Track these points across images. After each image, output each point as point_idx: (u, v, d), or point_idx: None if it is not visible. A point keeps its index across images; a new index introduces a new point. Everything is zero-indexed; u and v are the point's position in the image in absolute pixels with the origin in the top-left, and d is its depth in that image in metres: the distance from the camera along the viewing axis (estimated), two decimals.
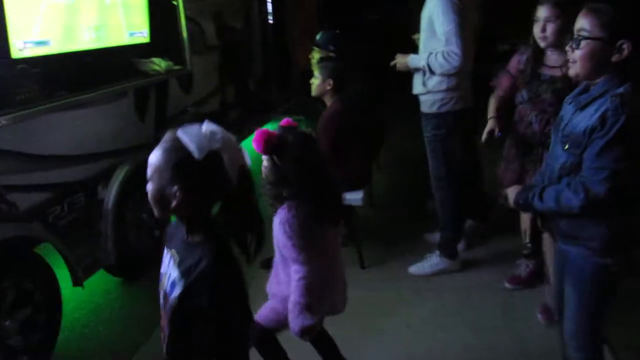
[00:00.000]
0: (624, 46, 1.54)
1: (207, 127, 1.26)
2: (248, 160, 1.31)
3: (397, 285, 3.09)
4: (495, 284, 3.02)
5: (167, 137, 1.27)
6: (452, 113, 2.96)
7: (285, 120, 1.89)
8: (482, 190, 3.68)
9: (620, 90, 1.55)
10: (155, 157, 1.26)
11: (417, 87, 3.03)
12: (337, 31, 4.41)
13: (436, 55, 2.81)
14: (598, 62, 1.58)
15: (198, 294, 1.21)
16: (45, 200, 2.65)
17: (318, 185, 1.81)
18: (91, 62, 3.19)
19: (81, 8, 3.10)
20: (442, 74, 2.86)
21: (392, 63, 3.11)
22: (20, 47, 2.68)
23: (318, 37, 4.15)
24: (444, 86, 2.90)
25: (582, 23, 1.59)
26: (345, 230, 3.61)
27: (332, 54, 3.82)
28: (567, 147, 1.62)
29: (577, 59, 1.60)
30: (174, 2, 3.96)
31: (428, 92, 2.96)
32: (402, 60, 3.04)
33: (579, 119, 1.61)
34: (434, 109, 2.98)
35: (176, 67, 3.98)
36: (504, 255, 3.26)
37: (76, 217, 2.86)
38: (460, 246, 3.30)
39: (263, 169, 1.83)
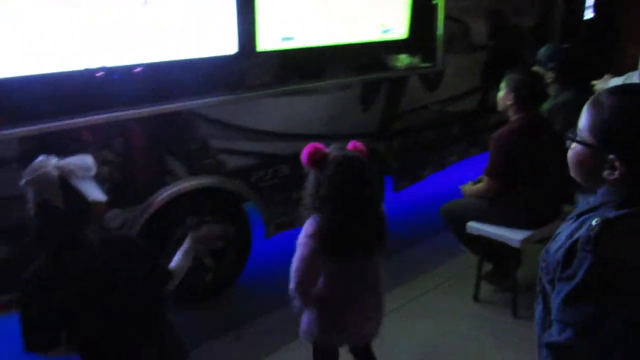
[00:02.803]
0: (616, 164, 1.12)
1: None
2: None
3: None
4: None
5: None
6: None
7: (351, 143, 1.95)
8: None
9: (612, 214, 1.11)
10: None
11: None
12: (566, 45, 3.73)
13: None
14: (588, 173, 1.20)
15: None
16: (252, 165, 3.35)
17: (347, 208, 1.84)
18: (328, 55, 3.67)
19: (329, 8, 3.57)
20: None
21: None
22: (266, 42, 3.34)
23: (542, 50, 3.62)
24: None
25: (582, 117, 1.20)
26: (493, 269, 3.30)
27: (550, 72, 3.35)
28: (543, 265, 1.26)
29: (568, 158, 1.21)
30: (434, 2, 4.05)
31: None
32: None
33: (564, 233, 1.20)
34: None
35: (422, 65, 4.13)
36: None
37: (277, 183, 3.50)
38: None
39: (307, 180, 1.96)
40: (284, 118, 3.43)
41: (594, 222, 1.10)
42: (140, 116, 2.84)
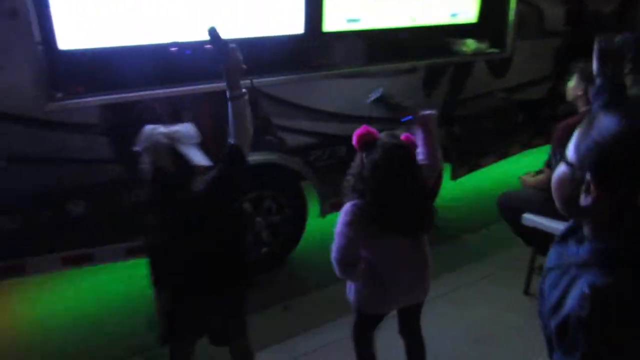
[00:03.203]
0: (591, 187, 1.00)
1: None
2: None
3: None
4: None
5: None
6: None
7: (404, 135, 1.98)
8: None
9: (600, 281, 1.00)
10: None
11: None
12: None
13: None
14: (567, 198, 1.07)
15: None
16: (310, 144, 3.43)
17: (386, 194, 1.88)
18: (393, 38, 3.66)
19: None
20: None
21: None
22: (332, 23, 3.38)
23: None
24: None
25: (573, 134, 1.09)
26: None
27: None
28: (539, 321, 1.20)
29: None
30: None
31: None
32: None
33: (555, 289, 1.11)
34: None
35: (489, 50, 4.04)
36: None
37: (334, 163, 3.57)
38: None
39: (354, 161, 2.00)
40: (346, 99, 3.47)
41: (585, 290, 1.00)
42: (209, 90, 2.98)
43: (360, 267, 2.03)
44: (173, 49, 2.94)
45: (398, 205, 1.91)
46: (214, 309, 2.11)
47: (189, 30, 2.92)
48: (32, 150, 2.67)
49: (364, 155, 1.95)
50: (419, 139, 2.12)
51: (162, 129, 1.90)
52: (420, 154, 2.11)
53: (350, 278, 2.09)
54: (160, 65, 2.92)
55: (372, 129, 1.96)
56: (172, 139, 1.87)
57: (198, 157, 1.90)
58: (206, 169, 1.94)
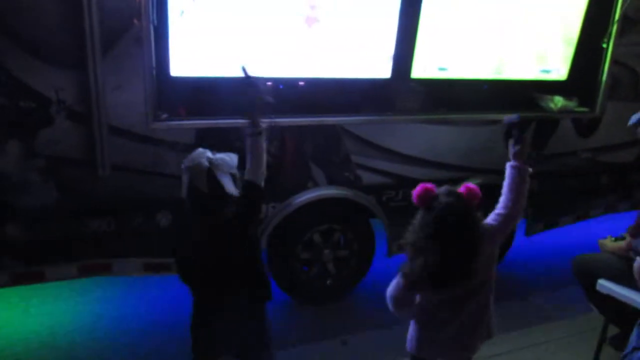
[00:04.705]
0: None
1: None
2: None
3: None
4: None
5: None
6: None
7: (464, 186, 1.99)
8: None
9: None
10: None
11: None
12: None
13: None
14: None
15: None
16: (384, 184, 3.52)
17: (445, 250, 1.89)
18: (480, 89, 3.70)
19: (488, 43, 3.61)
20: None
21: None
22: (421, 70, 3.49)
23: None
24: None
25: None
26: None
27: None
28: None
29: None
30: (604, 45, 3.87)
31: None
32: None
33: None
34: None
35: (577, 109, 3.97)
36: None
37: (406, 205, 3.62)
38: None
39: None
40: (425, 145, 3.55)
41: None
42: (297, 124, 3.16)
43: (412, 309, 2.10)
44: (268, 83, 3.15)
45: (457, 257, 1.93)
46: (235, 324, 2.22)
47: (285, 67, 3.14)
48: (133, 161, 2.95)
49: (424, 212, 1.99)
50: (506, 183, 2.14)
51: (209, 153, 2.07)
52: (502, 201, 2.13)
53: (402, 316, 2.16)
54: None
55: (431, 186, 1.99)
56: (213, 164, 2.03)
57: (230, 187, 2.05)
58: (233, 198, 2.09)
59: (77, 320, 3.42)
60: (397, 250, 3.67)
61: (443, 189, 2.00)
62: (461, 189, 2.00)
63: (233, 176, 2.09)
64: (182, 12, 2.81)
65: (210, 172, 2.03)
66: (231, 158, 2.11)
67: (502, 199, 2.13)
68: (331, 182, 3.39)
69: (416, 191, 1.98)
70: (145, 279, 3.52)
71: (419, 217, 2.01)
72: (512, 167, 2.15)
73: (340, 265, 3.61)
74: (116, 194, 2.96)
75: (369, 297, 3.70)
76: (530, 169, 2.17)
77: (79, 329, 3.33)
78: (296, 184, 3.31)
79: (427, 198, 1.96)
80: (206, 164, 2.03)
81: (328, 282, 3.60)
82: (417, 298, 2.13)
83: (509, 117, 2.25)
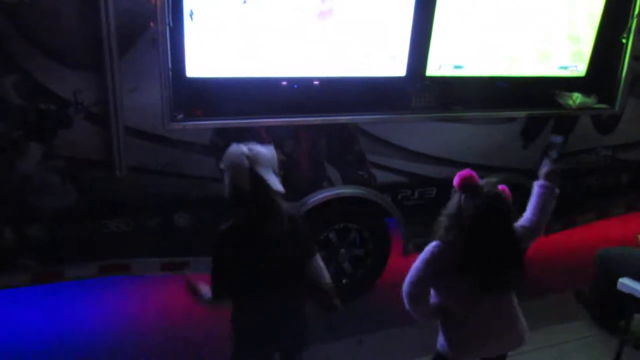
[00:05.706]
0: None
1: None
2: None
3: None
4: None
5: None
6: None
7: (501, 186, 2.02)
8: None
9: None
10: None
11: None
12: None
13: None
14: None
15: None
16: (400, 183, 3.50)
17: (478, 244, 1.92)
18: (497, 86, 3.67)
19: (504, 41, 3.57)
20: None
21: None
22: (436, 67, 3.47)
23: None
24: None
25: None
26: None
27: None
28: None
29: None
30: (623, 41, 3.81)
31: None
32: None
33: None
34: None
35: (597, 106, 3.91)
36: None
37: (422, 203, 3.60)
38: None
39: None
40: (441, 143, 3.53)
41: None
42: (312, 124, 3.16)
43: (428, 307, 2.11)
44: (283, 82, 3.17)
45: (487, 249, 1.95)
46: (285, 320, 2.17)
47: (299, 66, 3.14)
48: (149, 162, 2.97)
49: (462, 197, 1.99)
50: (533, 200, 2.18)
51: (244, 148, 1.96)
52: (527, 216, 2.19)
53: (417, 314, 2.15)
54: (271, 97, 3.16)
55: (475, 174, 2.00)
56: (253, 161, 1.93)
57: (275, 183, 1.97)
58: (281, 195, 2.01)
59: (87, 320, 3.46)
60: (414, 250, 3.65)
61: (487, 180, 2.04)
62: (500, 187, 2.04)
63: (273, 171, 1.99)
64: (192, 13, 2.82)
65: (252, 169, 1.93)
66: (269, 150, 2.01)
67: (527, 214, 2.20)
68: (346, 181, 3.38)
69: (462, 174, 1.99)
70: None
71: (455, 201, 2.01)
72: (541, 186, 2.21)
73: (356, 264, 3.60)
74: (133, 195, 2.99)
75: (385, 297, 3.68)
76: (558, 191, 2.23)
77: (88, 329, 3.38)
78: (311, 183, 3.31)
79: (472, 183, 1.99)
80: (246, 162, 1.93)
81: (344, 281, 3.60)
82: (434, 297, 2.13)
83: (555, 137, 2.31)
